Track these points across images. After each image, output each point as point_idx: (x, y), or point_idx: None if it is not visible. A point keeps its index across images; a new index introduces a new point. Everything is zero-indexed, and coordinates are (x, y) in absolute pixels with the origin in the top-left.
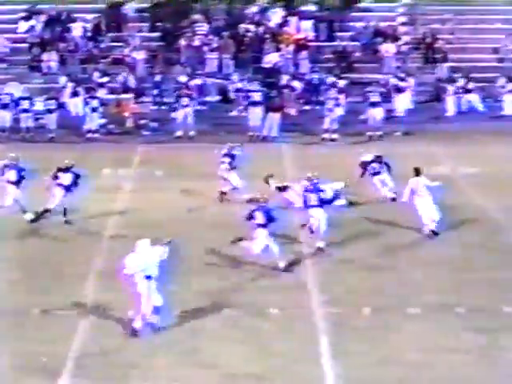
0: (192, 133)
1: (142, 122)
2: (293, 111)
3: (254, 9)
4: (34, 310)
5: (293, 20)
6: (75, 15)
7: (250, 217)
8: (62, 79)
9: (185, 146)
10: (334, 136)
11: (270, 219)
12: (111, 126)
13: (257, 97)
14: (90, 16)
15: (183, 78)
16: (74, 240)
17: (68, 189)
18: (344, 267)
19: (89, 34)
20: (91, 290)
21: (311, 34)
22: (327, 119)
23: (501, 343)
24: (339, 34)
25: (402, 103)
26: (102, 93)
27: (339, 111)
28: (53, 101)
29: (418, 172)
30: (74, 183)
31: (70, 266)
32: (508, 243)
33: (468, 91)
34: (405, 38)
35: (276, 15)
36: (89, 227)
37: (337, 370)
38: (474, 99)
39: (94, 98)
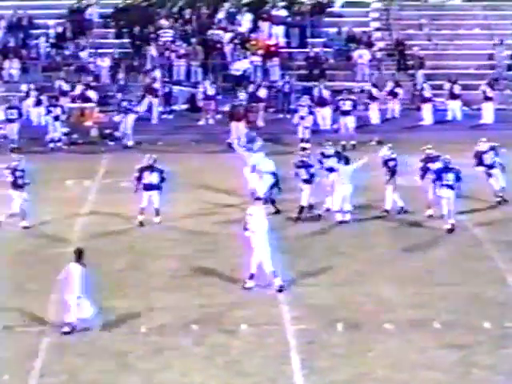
0: (130, 142)
1: (107, 131)
2: (260, 122)
3: (220, 15)
4: None
5: (264, 25)
6: (37, 21)
7: (440, 178)
8: (23, 87)
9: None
10: (307, 145)
11: (458, 180)
12: (75, 136)
13: None
14: (52, 22)
15: (147, 79)
16: (36, 254)
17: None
18: (315, 282)
19: (52, 41)
20: (54, 306)
21: (282, 40)
22: (300, 128)
23: (477, 360)
24: (311, 40)
25: (376, 112)
26: (65, 101)
27: (312, 119)
28: (14, 110)
29: (347, 161)
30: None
31: (33, 281)
32: (485, 256)
33: (454, 97)
34: (379, 44)
35: (246, 20)
36: (52, 241)
37: None
38: (456, 106)
39: (56, 106)
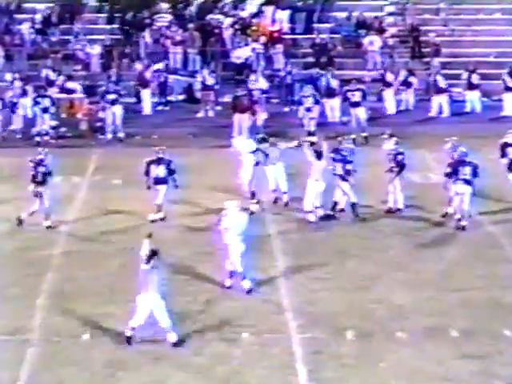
0: (121, 134)
1: (98, 124)
2: (263, 115)
3: None
4: None
5: (268, 10)
6: (27, 5)
7: (456, 172)
8: (8, 76)
9: (146, 151)
10: (314, 139)
11: (475, 175)
12: (63, 129)
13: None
14: (42, 6)
15: (139, 66)
16: (21, 256)
17: None
18: (322, 287)
19: (38, 26)
20: (41, 312)
21: (286, 26)
22: (306, 120)
23: (497, 371)
24: (318, 25)
25: (392, 100)
26: (52, 92)
27: (318, 110)
28: None
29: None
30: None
31: (17, 285)
32: (505, 259)
33: (472, 87)
34: (392, 30)
35: (252, 5)
36: (38, 243)
37: None
38: (474, 97)
39: (45, 96)
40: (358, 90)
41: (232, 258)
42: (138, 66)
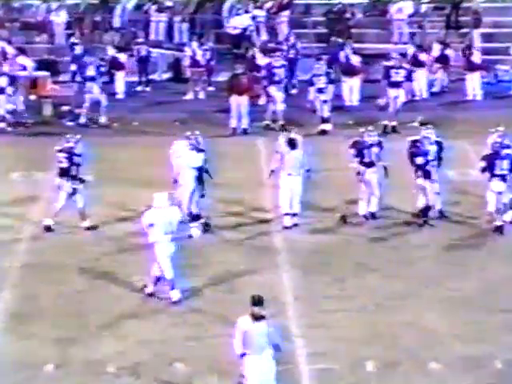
0: (103, 119)
1: (65, 108)
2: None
3: None
4: None
5: None
6: None
7: (492, 166)
8: None
9: (123, 141)
10: (328, 127)
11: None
12: (23, 114)
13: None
14: None
15: (111, 51)
16: None
17: None
18: (337, 307)
19: None
20: None
21: None
22: (317, 103)
23: None
24: None
25: (424, 82)
26: (5, 68)
27: (332, 90)
28: None
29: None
30: None
31: None
32: None
33: None
34: None
35: None
36: None
37: None
38: None
39: (1, 74)
40: (401, 67)
41: (159, 261)
42: (110, 51)
